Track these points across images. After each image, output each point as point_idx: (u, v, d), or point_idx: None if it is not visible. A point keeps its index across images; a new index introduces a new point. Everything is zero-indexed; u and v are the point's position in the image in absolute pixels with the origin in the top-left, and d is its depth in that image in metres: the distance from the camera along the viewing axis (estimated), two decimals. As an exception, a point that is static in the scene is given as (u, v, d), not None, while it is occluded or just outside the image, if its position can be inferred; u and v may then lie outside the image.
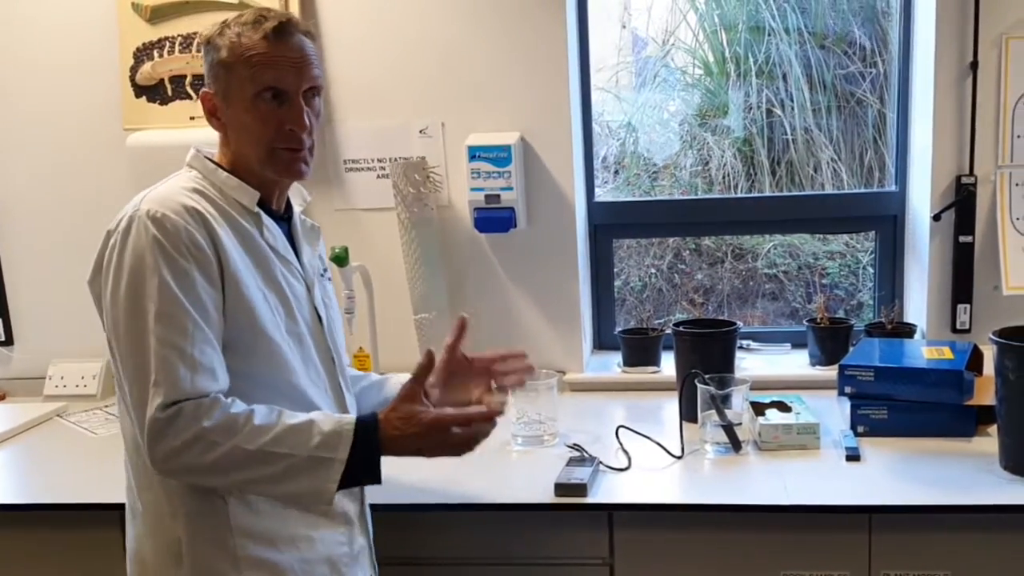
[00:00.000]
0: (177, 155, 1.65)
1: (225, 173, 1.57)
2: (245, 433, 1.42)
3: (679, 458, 2.04)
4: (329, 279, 1.78)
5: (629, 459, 2.03)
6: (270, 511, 1.53)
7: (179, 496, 1.50)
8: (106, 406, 2.63)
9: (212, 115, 1.58)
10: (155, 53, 2.55)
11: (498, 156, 2.45)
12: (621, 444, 2.11)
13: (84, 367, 2.72)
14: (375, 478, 1.50)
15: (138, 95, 2.58)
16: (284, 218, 1.66)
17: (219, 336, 1.47)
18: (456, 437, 1.51)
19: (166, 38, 2.54)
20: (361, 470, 1.47)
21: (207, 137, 1.63)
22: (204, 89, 1.57)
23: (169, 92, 2.56)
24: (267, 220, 1.59)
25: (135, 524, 1.58)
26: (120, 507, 1.64)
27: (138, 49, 2.56)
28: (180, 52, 2.55)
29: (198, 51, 2.50)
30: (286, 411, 1.48)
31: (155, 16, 2.53)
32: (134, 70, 2.57)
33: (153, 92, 2.57)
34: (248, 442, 1.42)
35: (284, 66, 1.52)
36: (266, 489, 1.48)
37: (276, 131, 1.53)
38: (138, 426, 1.43)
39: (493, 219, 2.48)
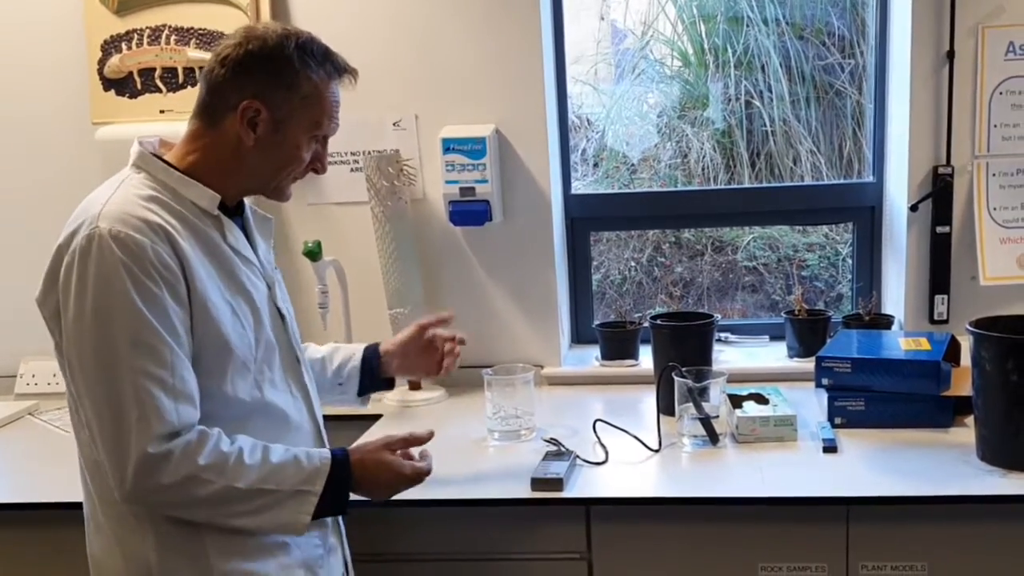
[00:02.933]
0: (147, 150, 1.60)
1: (178, 173, 1.49)
2: (235, 471, 1.42)
3: (656, 451, 2.03)
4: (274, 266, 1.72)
5: (606, 453, 2.02)
6: None
7: (148, 517, 1.45)
8: (77, 405, 2.59)
9: (245, 124, 1.48)
10: (123, 46, 2.51)
11: (472, 148, 2.42)
12: (598, 438, 2.10)
13: (55, 365, 2.63)
14: (342, 510, 1.57)
15: (106, 88, 2.54)
16: (237, 213, 1.60)
17: (190, 356, 1.42)
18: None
19: (134, 30, 2.50)
20: (332, 504, 1.51)
21: (177, 131, 1.58)
22: (252, 101, 1.46)
23: (138, 85, 2.53)
24: (227, 221, 1.53)
25: (99, 536, 1.52)
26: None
27: (106, 42, 2.52)
28: (149, 44, 2.50)
29: (167, 43, 2.49)
30: (267, 445, 1.48)
31: (122, 8, 2.49)
32: (102, 63, 2.53)
33: (122, 85, 2.53)
34: (239, 479, 1.42)
35: (337, 116, 1.58)
36: (243, 522, 1.45)
37: (306, 166, 1.58)
38: (111, 460, 1.37)
39: (468, 212, 2.45)
